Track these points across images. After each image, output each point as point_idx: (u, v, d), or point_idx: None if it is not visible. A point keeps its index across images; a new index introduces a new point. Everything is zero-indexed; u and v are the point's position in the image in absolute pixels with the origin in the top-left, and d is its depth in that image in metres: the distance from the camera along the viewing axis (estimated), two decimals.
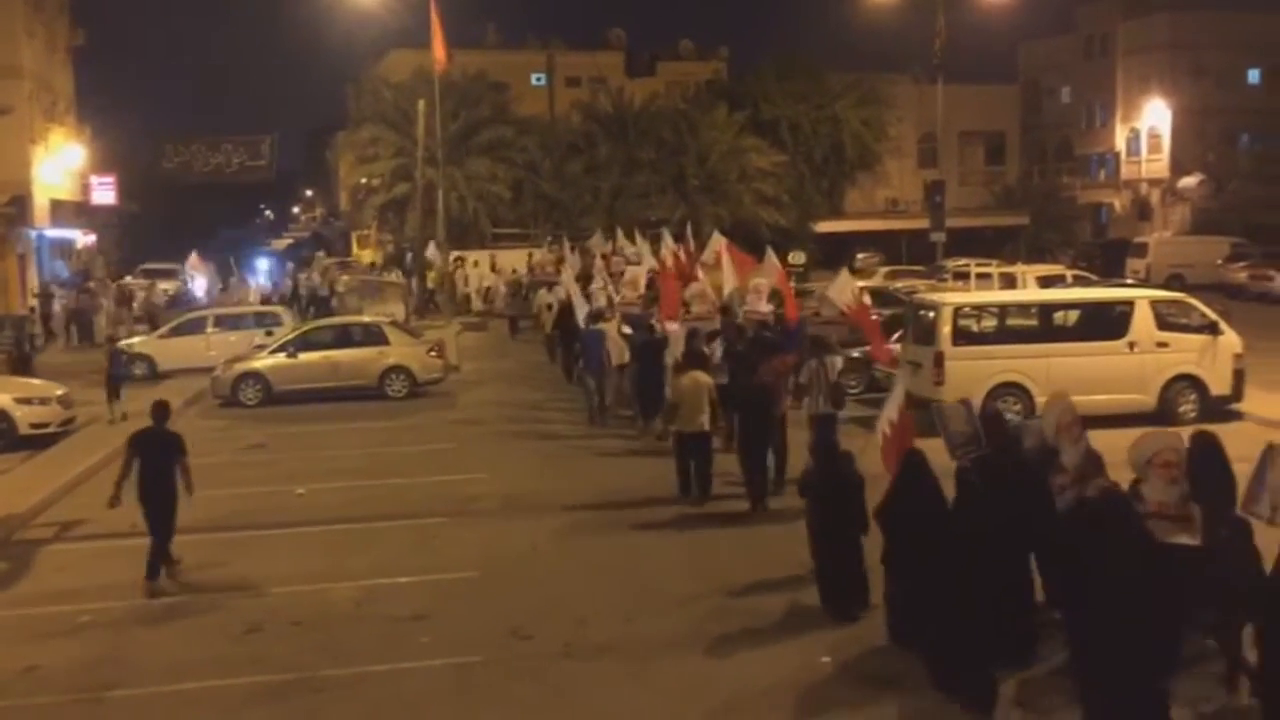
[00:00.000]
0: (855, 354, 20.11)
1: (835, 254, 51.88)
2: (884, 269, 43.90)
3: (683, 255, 26.54)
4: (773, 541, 12.70)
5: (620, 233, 36.50)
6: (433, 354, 24.44)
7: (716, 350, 17.14)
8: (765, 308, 19.69)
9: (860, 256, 51.00)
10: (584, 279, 27.80)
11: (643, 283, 24.30)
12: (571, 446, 18.78)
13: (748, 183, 50.31)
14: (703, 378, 14.75)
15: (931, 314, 19.09)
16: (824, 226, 54.35)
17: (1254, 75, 59.49)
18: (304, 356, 23.53)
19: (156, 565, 12.00)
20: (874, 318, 18.96)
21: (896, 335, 20.48)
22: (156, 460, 12.06)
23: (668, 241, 29.40)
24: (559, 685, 9.30)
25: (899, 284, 34.53)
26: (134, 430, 12.66)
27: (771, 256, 22.86)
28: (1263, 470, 8.08)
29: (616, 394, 20.31)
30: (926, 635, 9.06)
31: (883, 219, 58.05)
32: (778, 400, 14.84)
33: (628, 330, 20.87)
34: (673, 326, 19.26)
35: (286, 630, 10.68)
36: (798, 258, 35.58)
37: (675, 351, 17.60)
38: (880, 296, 29.42)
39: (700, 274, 22.91)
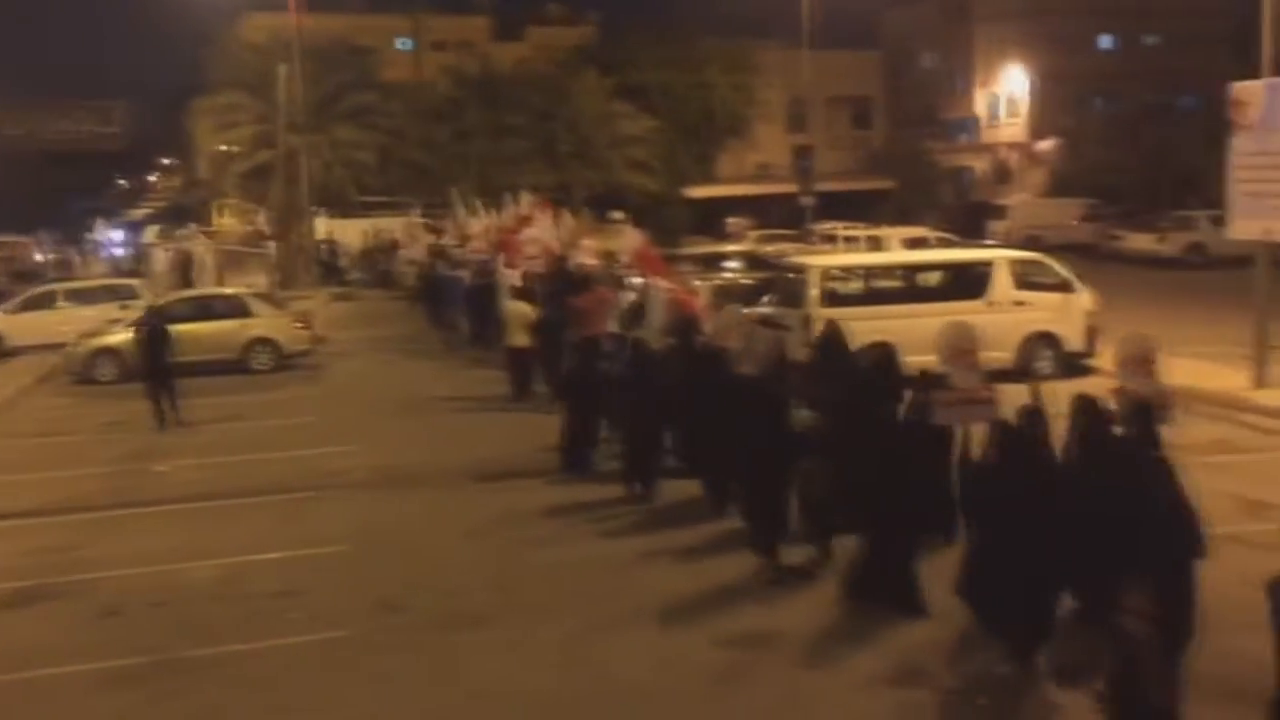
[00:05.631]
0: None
1: (707, 219, 52.32)
2: (755, 233, 44.35)
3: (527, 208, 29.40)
4: (654, 512, 12.79)
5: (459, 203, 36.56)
6: (299, 325, 23.90)
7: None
8: (590, 260, 23.23)
9: (731, 221, 51.42)
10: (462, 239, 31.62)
11: (486, 236, 28.31)
12: (442, 415, 18.69)
13: (619, 149, 50.21)
14: (524, 306, 19.22)
15: (799, 276, 19.33)
16: (695, 192, 54.59)
17: (1105, 41, 61.51)
18: None
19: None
20: (655, 255, 21.49)
21: (767, 298, 20.71)
22: (155, 346, 18.43)
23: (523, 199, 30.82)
24: (432, 657, 9.19)
25: (770, 248, 34.96)
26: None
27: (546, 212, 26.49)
28: None
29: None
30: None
31: (753, 184, 58.48)
32: (574, 326, 16.97)
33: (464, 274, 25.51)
34: (509, 270, 22.97)
35: (146, 612, 10.34)
36: (619, 214, 40.03)
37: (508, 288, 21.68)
38: (751, 260, 29.81)
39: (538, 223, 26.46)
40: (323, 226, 44.62)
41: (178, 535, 12.62)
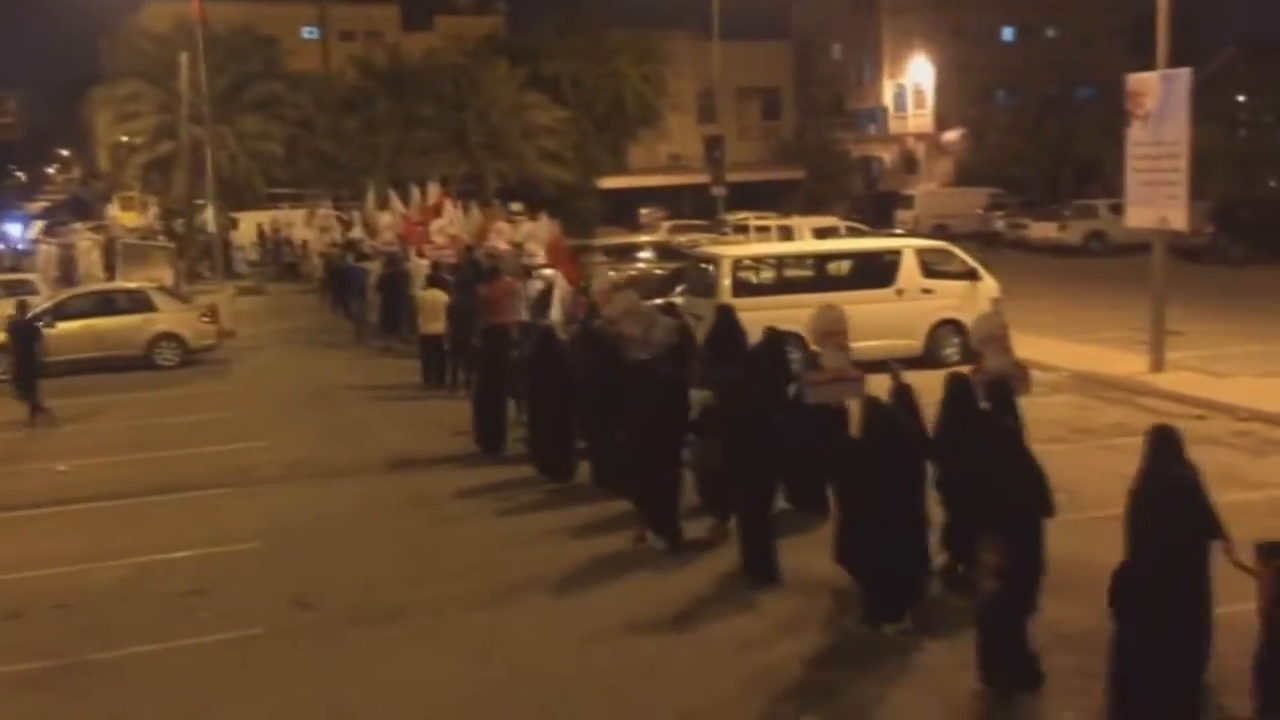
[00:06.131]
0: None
1: (620, 210, 52.36)
2: (667, 224, 44.48)
3: (433, 200, 30.49)
4: (560, 498, 12.87)
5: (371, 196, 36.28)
6: (205, 319, 23.45)
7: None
8: (503, 245, 24.55)
9: (644, 212, 51.53)
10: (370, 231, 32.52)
11: (395, 228, 29.62)
12: (353, 406, 18.55)
13: (530, 139, 49.96)
14: (439, 294, 19.30)
15: (712, 267, 19.45)
16: (608, 182, 54.55)
17: (1008, 33, 62.69)
18: (62, 326, 22.05)
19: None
20: (565, 246, 22.55)
21: (680, 289, 20.79)
22: (23, 346, 18.01)
23: (430, 190, 31.57)
24: (346, 652, 9.11)
25: (682, 238, 35.09)
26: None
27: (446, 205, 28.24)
28: None
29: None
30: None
31: (665, 174, 58.62)
32: (483, 314, 17.91)
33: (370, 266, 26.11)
34: (420, 260, 23.94)
35: (49, 615, 10.08)
36: (518, 206, 40.63)
37: (419, 278, 22.24)
38: (664, 251, 29.90)
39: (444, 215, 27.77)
40: (212, 220, 43.54)
41: (81, 536, 12.31)
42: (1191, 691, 6.95)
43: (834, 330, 11.38)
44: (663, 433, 10.96)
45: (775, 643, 8.87)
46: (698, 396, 11.43)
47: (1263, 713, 6.88)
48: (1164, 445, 7.16)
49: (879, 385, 10.27)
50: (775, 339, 12.43)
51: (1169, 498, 6.91)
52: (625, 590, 10.11)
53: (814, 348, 11.71)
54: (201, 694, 8.49)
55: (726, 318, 14.00)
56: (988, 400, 9.05)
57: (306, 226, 39.97)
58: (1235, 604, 7.06)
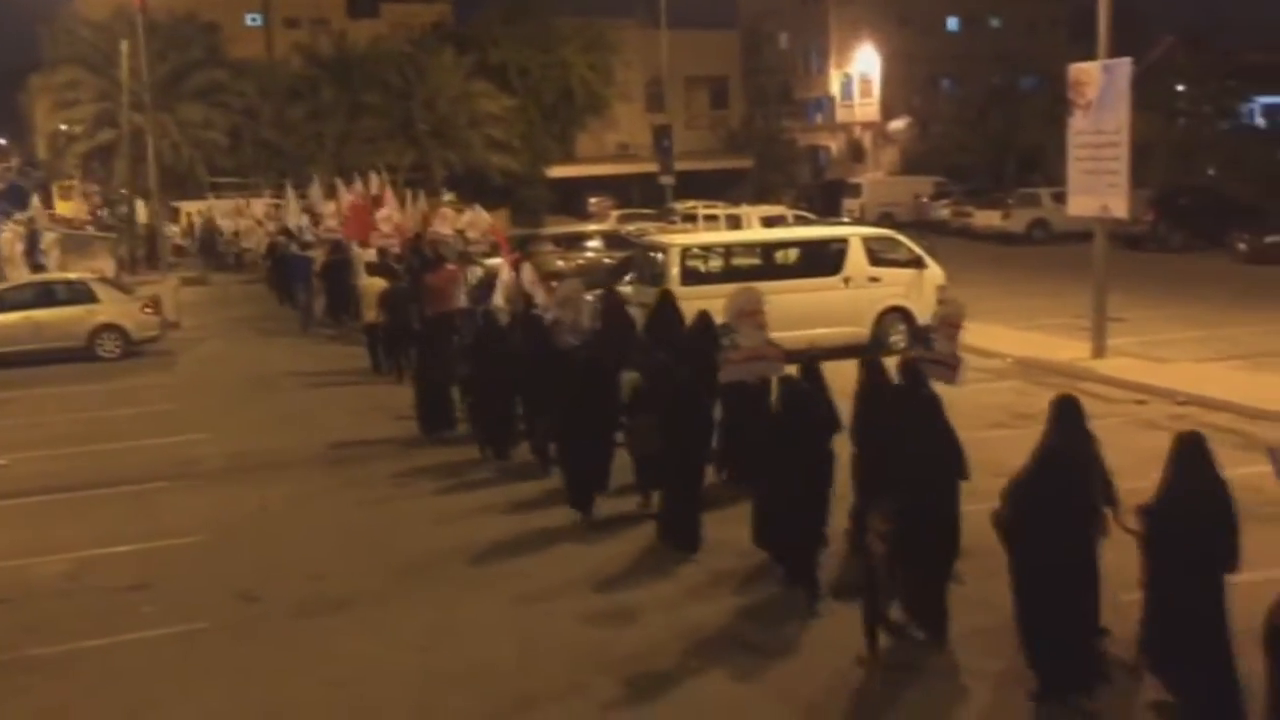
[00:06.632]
0: None
1: (569, 198, 52.24)
2: (616, 212, 44.42)
3: (375, 189, 30.12)
4: (501, 477, 13.00)
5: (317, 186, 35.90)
6: (148, 310, 23.14)
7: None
8: (447, 230, 24.56)
9: (592, 200, 51.41)
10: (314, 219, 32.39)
11: (339, 215, 28.79)
12: (298, 394, 18.45)
13: (478, 128, 49.70)
14: (381, 283, 19.64)
15: (660, 255, 19.46)
16: (556, 171, 54.41)
17: (953, 23, 63.24)
18: (1, 318, 21.80)
19: None
20: (503, 236, 24.38)
21: (629, 277, 20.78)
22: None
23: (369, 181, 31.41)
24: (291, 644, 9.05)
25: (630, 227, 35.06)
26: None
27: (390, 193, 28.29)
28: None
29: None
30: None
31: (614, 163, 58.55)
32: (428, 302, 18.11)
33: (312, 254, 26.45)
34: (363, 250, 23.79)
35: None
36: (450, 196, 42.50)
37: (359, 266, 22.36)
38: (612, 239, 29.86)
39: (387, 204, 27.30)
40: (143, 210, 42.75)
41: (20, 530, 12.12)
42: (1088, 642, 7.42)
43: (750, 310, 11.59)
44: (587, 413, 11.23)
45: (691, 605, 9.32)
46: (627, 380, 11.65)
47: (1141, 651, 7.45)
48: (1062, 415, 7.69)
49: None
50: (706, 322, 12.63)
51: (1064, 466, 7.31)
52: (558, 564, 10.44)
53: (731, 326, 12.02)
54: (146, 689, 8.39)
55: (665, 303, 14.22)
56: (900, 379, 9.43)
57: (240, 216, 39.67)
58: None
